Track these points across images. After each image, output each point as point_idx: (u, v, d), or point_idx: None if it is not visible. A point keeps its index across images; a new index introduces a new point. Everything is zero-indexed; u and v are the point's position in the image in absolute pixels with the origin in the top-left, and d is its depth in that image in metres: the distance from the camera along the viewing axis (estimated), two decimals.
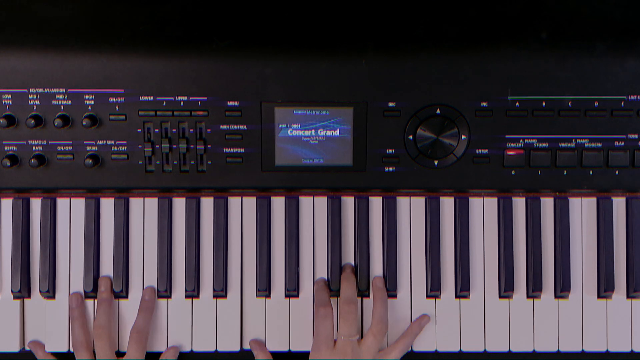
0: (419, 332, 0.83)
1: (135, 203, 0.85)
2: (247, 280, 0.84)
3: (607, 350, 0.84)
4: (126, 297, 0.84)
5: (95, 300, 0.83)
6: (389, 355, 0.80)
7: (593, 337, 0.84)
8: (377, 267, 0.84)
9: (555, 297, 0.85)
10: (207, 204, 0.85)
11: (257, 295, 0.84)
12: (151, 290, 0.83)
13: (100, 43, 0.79)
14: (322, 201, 0.85)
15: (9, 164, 0.79)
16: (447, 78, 0.79)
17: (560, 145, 0.81)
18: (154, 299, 0.83)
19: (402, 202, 0.85)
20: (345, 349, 0.77)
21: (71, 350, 0.82)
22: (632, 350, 0.84)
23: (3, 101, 0.79)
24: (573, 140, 0.81)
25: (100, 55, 0.79)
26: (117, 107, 0.79)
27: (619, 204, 0.85)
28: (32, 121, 0.79)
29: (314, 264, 0.85)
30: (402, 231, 0.85)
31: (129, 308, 0.83)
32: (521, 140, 0.81)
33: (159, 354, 0.83)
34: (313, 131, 0.80)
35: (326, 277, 0.84)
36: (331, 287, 0.84)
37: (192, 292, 0.83)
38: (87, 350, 0.80)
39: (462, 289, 0.83)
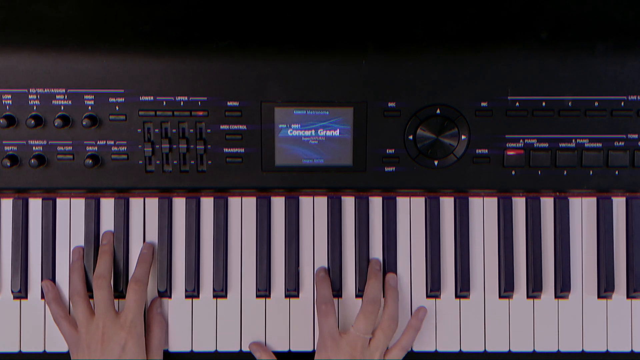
0: (419, 327, 0.82)
1: (135, 203, 0.85)
2: (247, 280, 0.84)
3: (607, 350, 0.84)
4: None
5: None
6: (391, 354, 0.80)
7: (593, 337, 0.84)
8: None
9: (555, 297, 0.85)
10: (207, 204, 0.85)
11: (257, 296, 0.84)
12: (149, 245, 0.83)
13: (100, 43, 0.79)
14: (322, 201, 0.85)
15: (9, 164, 0.79)
16: (447, 78, 0.79)
17: (560, 145, 0.81)
18: (151, 252, 0.83)
19: (402, 202, 0.85)
20: (355, 343, 0.77)
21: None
22: (632, 350, 0.84)
23: (3, 101, 0.79)
24: (573, 140, 0.81)
25: (100, 55, 0.79)
26: (117, 107, 0.79)
27: (619, 204, 0.85)
28: (32, 121, 0.79)
29: (314, 264, 0.85)
30: (402, 231, 0.85)
31: None
32: (521, 140, 0.81)
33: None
34: (313, 131, 0.80)
35: None
36: (333, 287, 0.83)
37: (192, 292, 0.83)
38: (85, 300, 0.79)
39: (462, 289, 0.83)
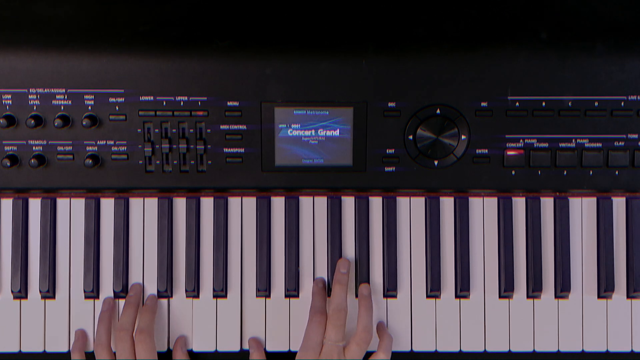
0: (391, 337, 0.82)
1: (135, 203, 0.85)
2: (247, 280, 0.84)
3: (607, 350, 0.84)
4: (126, 297, 0.84)
5: (94, 301, 0.84)
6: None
7: (593, 337, 0.84)
8: (377, 267, 0.84)
9: (555, 297, 0.85)
10: (207, 204, 0.85)
11: (257, 296, 0.84)
12: (154, 296, 0.84)
13: (100, 43, 0.79)
14: (322, 201, 0.85)
15: (9, 164, 0.79)
16: (447, 78, 0.79)
17: (560, 145, 0.81)
18: (155, 302, 0.83)
19: (402, 202, 0.85)
20: (331, 354, 0.77)
21: (91, 349, 0.83)
22: (632, 350, 0.84)
23: (3, 101, 0.79)
24: (573, 140, 0.81)
25: (100, 55, 0.79)
26: (117, 107, 0.80)
27: (619, 204, 0.85)
28: (32, 121, 0.79)
29: (314, 264, 0.85)
30: (402, 231, 0.85)
31: None
32: (521, 140, 0.81)
33: (159, 353, 0.83)
34: (313, 131, 0.80)
35: (326, 278, 0.84)
36: (331, 287, 0.84)
37: (192, 292, 0.83)
38: (107, 352, 0.80)
39: (462, 289, 0.83)
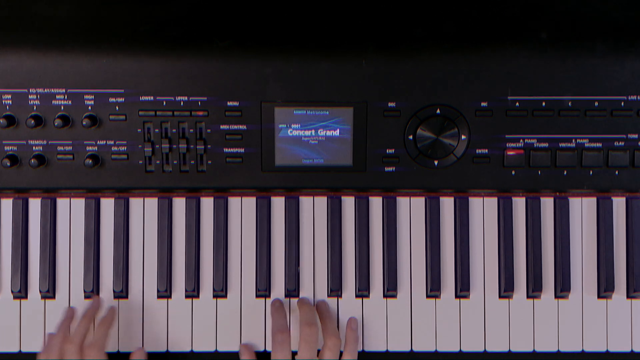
0: (357, 336, 0.82)
1: (135, 203, 0.85)
2: (247, 280, 0.84)
3: (607, 350, 0.84)
4: (126, 297, 0.84)
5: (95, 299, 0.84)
6: None
7: (593, 337, 0.84)
8: (377, 267, 0.84)
9: (555, 297, 0.85)
10: (207, 204, 0.85)
11: (257, 296, 0.84)
12: (112, 309, 0.82)
13: (100, 43, 0.79)
14: (322, 201, 0.85)
15: (9, 164, 0.79)
16: (447, 78, 0.79)
17: (560, 145, 0.81)
18: (113, 315, 0.82)
19: (402, 202, 0.85)
20: None
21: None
22: (632, 350, 0.84)
23: (3, 101, 0.79)
24: (573, 140, 0.81)
25: (100, 55, 0.79)
26: (117, 107, 0.80)
27: (619, 204, 0.85)
28: (32, 121, 0.79)
29: (314, 264, 0.85)
30: (402, 231, 0.85)
31: (129, 308, 0.83)
32: (521, 140, 0.81)
33: (159, 354, 0.83)
34: (313, 131, 0.80)
35: (326, 279, 0.84)
36: (331, 287, 0.84)
37: (192, 292, 0.83)
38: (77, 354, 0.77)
39: (462, 289, 0.83)
